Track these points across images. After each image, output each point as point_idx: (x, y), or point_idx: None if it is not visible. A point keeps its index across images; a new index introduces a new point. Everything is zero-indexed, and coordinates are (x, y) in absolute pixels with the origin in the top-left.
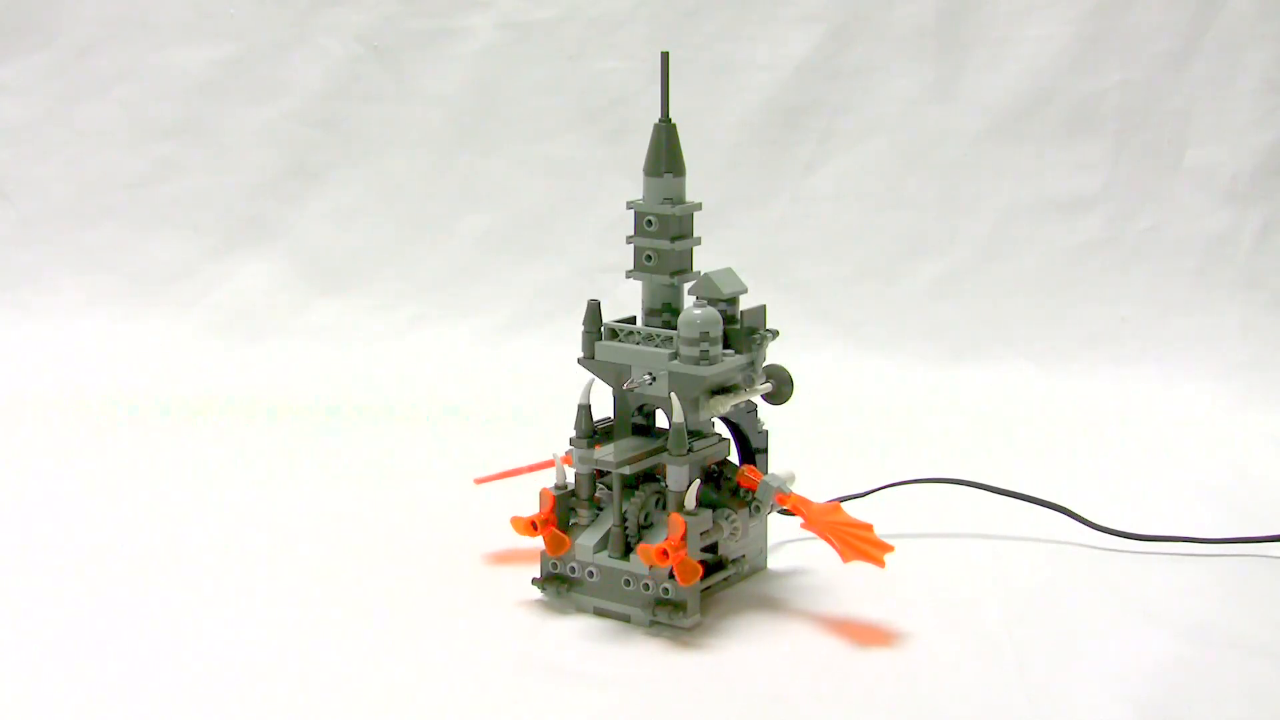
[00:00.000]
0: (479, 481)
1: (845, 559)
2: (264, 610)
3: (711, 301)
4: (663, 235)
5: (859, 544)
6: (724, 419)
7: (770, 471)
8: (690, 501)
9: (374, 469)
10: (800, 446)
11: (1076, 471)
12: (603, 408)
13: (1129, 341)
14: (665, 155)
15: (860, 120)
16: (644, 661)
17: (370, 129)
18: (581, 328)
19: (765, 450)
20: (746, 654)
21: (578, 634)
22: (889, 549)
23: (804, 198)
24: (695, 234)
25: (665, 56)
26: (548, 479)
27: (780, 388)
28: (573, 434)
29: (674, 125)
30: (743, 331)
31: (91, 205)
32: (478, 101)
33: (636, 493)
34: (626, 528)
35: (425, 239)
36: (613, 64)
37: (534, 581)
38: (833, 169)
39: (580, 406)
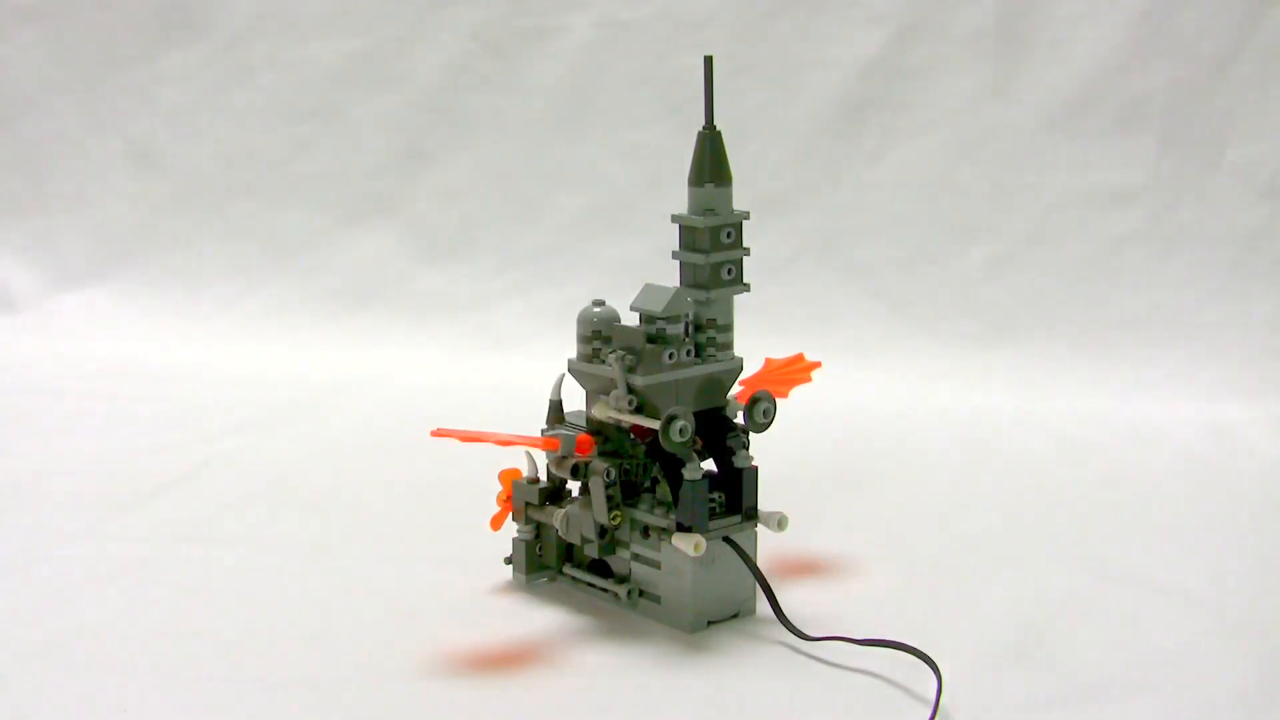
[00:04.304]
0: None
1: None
2: (260, 578)
3: (646, 318)
4: (695, 247)
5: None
6: (708, 451)
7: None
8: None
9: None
10: (848, 415)
11: (1105, 449)
12: (575, 401)
13: (1163, 327)
14: (709, 164)
15: (921, 115)
16: (644, 661)
17: (479, 116)
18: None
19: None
20: (746, 653)
21: (573, 631)
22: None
23: (866, 186)
24: (744, 244)
25: (709, 61)
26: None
27: (670, 424)
28: (544, 426)
29: (719, 133)
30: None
31: (235, 180)
32: (574, 92)
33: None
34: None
35: (524, 216)
36: (697, 60)
37: (507, 564)
38: (894, 160)
39: (551, 402)
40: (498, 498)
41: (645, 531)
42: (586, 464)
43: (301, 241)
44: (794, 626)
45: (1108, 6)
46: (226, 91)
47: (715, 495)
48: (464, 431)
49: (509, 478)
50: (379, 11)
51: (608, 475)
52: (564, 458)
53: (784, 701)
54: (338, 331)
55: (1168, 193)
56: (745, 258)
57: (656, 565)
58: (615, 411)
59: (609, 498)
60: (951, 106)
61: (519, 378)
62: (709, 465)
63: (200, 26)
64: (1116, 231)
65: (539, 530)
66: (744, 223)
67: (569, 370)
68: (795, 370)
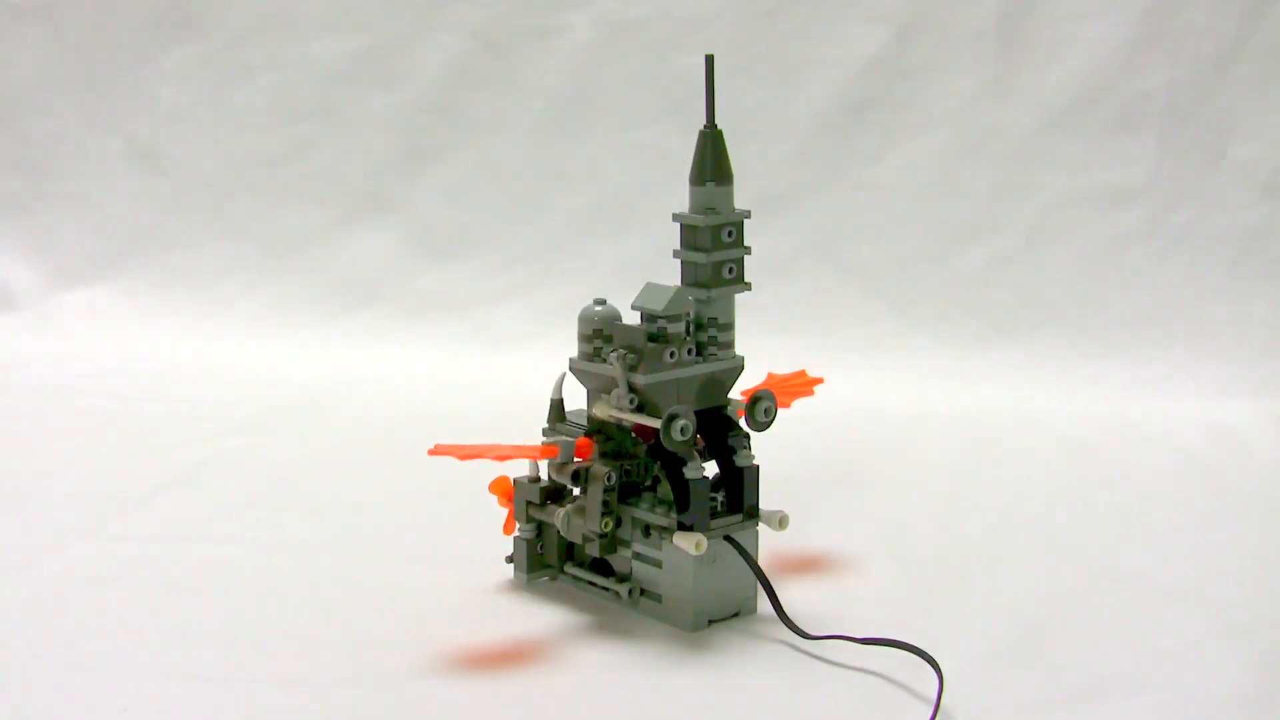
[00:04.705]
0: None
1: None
2: (264, 570)
3: (648, 317)
4: (696, 246)
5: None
6: (710, 451)
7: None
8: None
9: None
10: (849, 415)
11: (1105, 449)
12: (577, 399)
13: (1164, 326)
14: (710, 163)
15: (922, 114)
16: (645, 660)
17: (479, 115)
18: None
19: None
20: (747, 652)
21: (574, 629)
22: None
23: (867, 185)
24: (745, 243)
25: (710, 60)
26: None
27: (671, 422)
28: (545, 426)
29: (720, 131)
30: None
31: (235, 179)
32: (575, 91)
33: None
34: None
35: (524, 215)
36: (698, 59)
37: (508, 563)
38: (895, 159)
39: (553, 401)
40: (500, 504)
41: (646, 530)
42: (588, 469)
43: (302, 241)
44: (795, 625)
45: (1108, 6)
46: (227, 90)
47: (716, 494)
48: (462, 448)
49: (500, 488)
50: (379, 10)
51: (608, 480)
52: (564, 464)
53: (785, 700)
54: (338, 331)
55: (1168, 192)
56: (746, 256)
57: (658, 564)
58: (616, 410)
59: (605, 503)
60: (952, 106)
61: (520, 377)
62: (710, 466)
63: (201, 25)
64: (1117, 231)
65: (540, 529)
66: (745, 221)
67: (570, 369)
68: (798, 384)
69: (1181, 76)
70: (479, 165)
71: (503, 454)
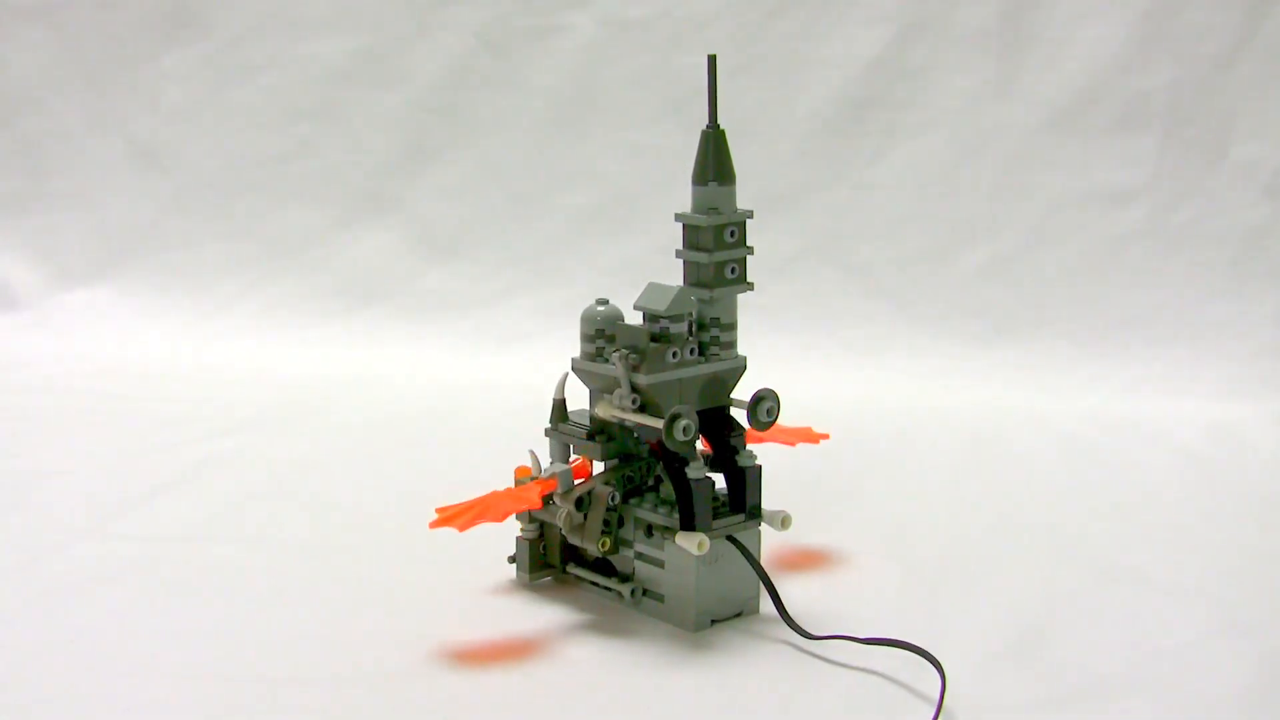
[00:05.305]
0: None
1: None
2: (260, 575)
3: (650, 317)
4: (699, 246)
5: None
6: (712, 450)
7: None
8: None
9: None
10: (851, 414)
11: (1107, 448)
12: (579, 399)
13: (1165, 325)
14: (712, 162)
15: (924, 114)
16: (647, 659)
17: (480, 115)
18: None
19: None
20: (750, 652)
21: (577, 629)
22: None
23: (868, 185)
24: (747, 242)
25: (712, 60)
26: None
27: (673, 422)
28: (547, 426)
29: (722, 131)
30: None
31: (236, 179)
32: (576, 91)
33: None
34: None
35: (526, 215)
36: (700, 59)
37: (511, 563)
38: (896, 159)
39: (555, 401)
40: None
41: (649, 530)
42: (590, 491)
43: (303, 240)
44: (797, 625)
45: (1109, 6)
46: (228, 90)
47: (718, 493)
48: (460, 512)
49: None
50: (381, 10)
51: (611, 500)
52: (567, 492)
53: (787, 700)
54: (339, 330)
55: (1169, 192)
56: (749, 256)
57: (660, 564)
58: (619, 410)
59: (605, 522)
60: (953, 106)
61: (521, 377)
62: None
63: (202, 25)
64: (1118, 230)
65: (542, 529)
66: (747, 221)
67: (573, 369)
68: (803, 434)
69: (1182, 76)
70: (479, 165)
71: (504, 510)
